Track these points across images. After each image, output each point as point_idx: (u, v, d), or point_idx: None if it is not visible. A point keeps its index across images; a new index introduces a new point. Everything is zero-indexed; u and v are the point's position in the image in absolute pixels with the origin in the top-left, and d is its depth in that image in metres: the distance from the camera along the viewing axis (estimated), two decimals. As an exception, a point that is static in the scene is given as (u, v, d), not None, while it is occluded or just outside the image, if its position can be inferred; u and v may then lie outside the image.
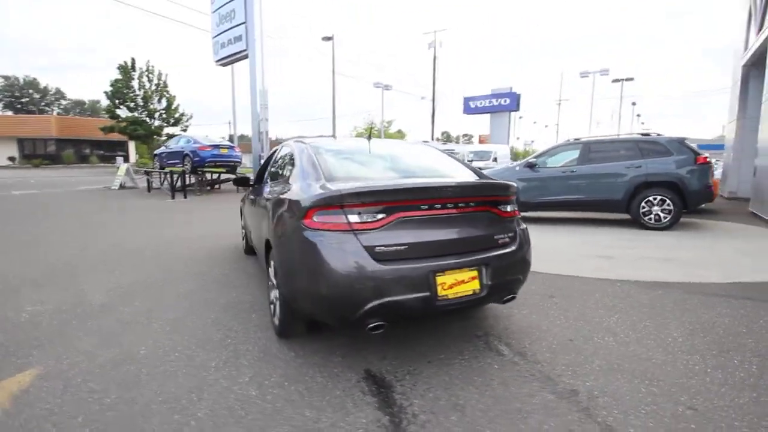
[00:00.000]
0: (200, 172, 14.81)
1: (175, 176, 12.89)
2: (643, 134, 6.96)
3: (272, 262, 2.72)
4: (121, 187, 15.42)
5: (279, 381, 2.17)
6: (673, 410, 1.90)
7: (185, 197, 12.62)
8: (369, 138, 3.32)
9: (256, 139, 17.01)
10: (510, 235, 2.48)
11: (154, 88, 29.99)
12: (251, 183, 4.43)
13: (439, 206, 2.21)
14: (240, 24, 16.07)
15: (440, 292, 2.13)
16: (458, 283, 2.19)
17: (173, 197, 12.43)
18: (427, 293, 2.10)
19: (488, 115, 41.10)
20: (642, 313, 3.07)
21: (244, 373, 2.25)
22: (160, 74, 30.27)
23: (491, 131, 41.20)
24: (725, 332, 2.71)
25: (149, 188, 14.89)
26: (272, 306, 2.83)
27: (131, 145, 39.60)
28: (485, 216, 2.39)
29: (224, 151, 14.44)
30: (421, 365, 2.34)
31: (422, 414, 1.89)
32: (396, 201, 2.13)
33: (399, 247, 2.09)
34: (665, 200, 6.39)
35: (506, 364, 2.34)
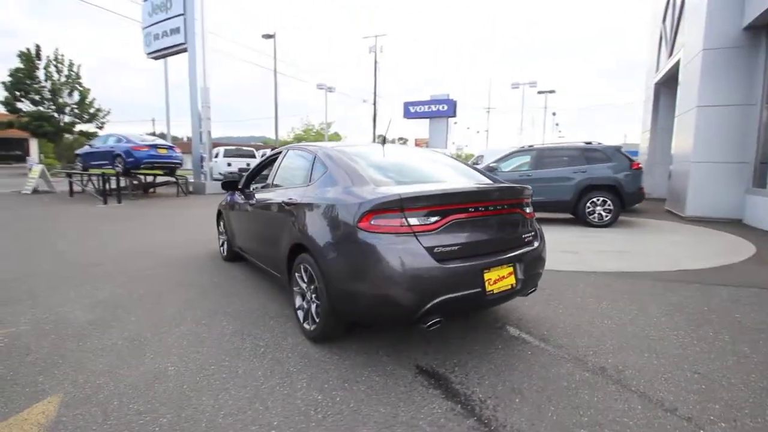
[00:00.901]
0: (133, 174, 13.52)
1: (107, 179, 11.62)
2: (586, 143, 7.85)
3: (303, 267, 2.69)
4: (35, 191, 13.50)
5: (338, 383, 2.19)
6: (683, 376, 2.27)
7: (119, 202, 11.44)
8: (383, 143, 3.41)
9: (197, 140, 16.01)
10: (533, 233, 2.75)
11: (63, 79, 26.60)
12: (239, 187, 4.27)
13: (482, 208, 2.39)
14: (178, 15, 15.02)
15: (488, 287, 2.31)
16: (500, 278, 2.39)
17: (105, 202, 11.20)
18: (479, 289, 2.27)
19: (427, 120, 42.78)
20: (624, 299, 3.53)
21: (299, 379, 2.22)
22: (71, 64, 26.96)
23: (430, 136, 42.80)
24: (693, 311, 3.25)
25: (71, 192, 13.24)
26: (300, 312, 2.80)
27: (33, 144, 34.67)
28: (515, 216, 2.63)
29: (163, 152, 13.32)
30: (464, 357, 2.49)
31: (488, 399, 2.04)
32: (450, 204, 2.27)
33: (453, 247, 2.23)
34: (606, 201, 7.29)
35: (536, 350, 2.58)
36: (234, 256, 4.67)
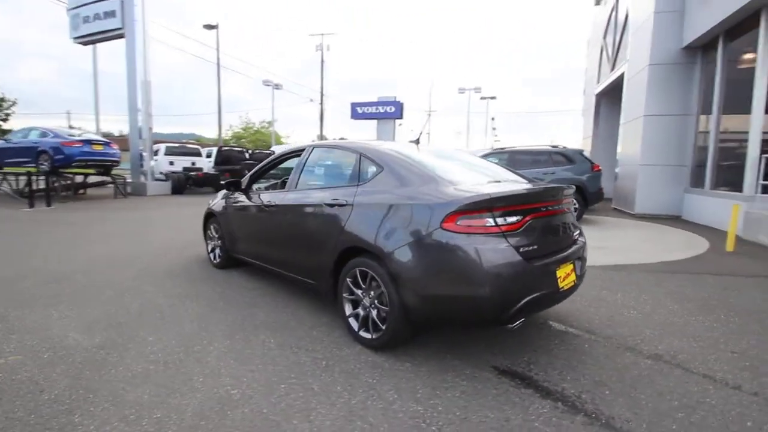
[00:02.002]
0: (62, 174, 11.88)
1: (34, 179, 10.07)
2: (553, 146, 8.41)
3: (359, 272, 2.53)
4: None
5: (429, 391, 2.08)
6: (726, 356, 2.50)
7: (49, 205, 9.98)
8: (417, 143, 3.34)
9: (135, 136, 14.54)
10: (579, 230, 2.86)
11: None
12: (243, 187, 3.93)
13: (551, 207, 2.43)
14: (114, -3, 13.48)
15: (559, 284, 2.36)
16: (566, 275, 2.45)
17: (32, 206, 9.71)
18: (555, 287, 2.30)
19: (374, 121, 43.08)
20: (634, 290, 3.82)
21: (385, 391, 2.08)
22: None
23: (378, 137, 43.06)
24: (695, 298, 3.61)
25: (-19, 194, 11.29)
26: (352, 320, 2.64)
27: None
28: (569, 214, 2.72)
29: (98, 148, 11.89)
30: (532, 355, 2.51)
31: (582, 394, 2.07)
32: (530, 203, 2.28)
33: (534, 246, 2.24)
34: (573, 200, 7.86)
35: (591, 342, 2.69)
36: (229, 262, 4.29)
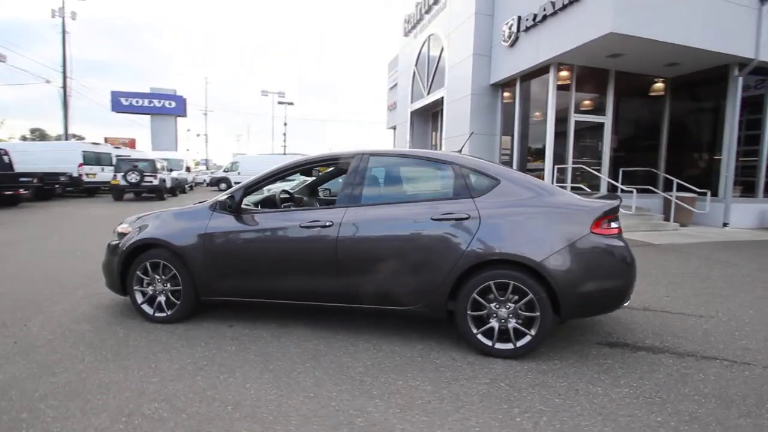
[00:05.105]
0: None
1: None
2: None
3: (494, 285, 2.52)
4: None
5: (594, 376, 2.37)
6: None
7: None
8: (460, 152, 3.41)
9: None
10: None
11: None
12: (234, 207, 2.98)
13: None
14: None
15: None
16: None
17: None
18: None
19: (147, 117, 35.67)
20: (670, 266, 5.15)
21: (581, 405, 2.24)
22: None
23: (153, 136, 36.07)
24: (722, 275, 4.87)
25: None
26: (482, 337, 2.58)
27: None
28: None
29: None
30: (615, 330, 3.11)
31: (687, 357, 2.79)
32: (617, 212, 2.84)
33: (624, 244, 2.85)
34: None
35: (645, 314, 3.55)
36: (191, 311, 3.11)
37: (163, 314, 3.08)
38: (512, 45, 9.92)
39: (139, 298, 3.13)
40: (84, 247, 6.05)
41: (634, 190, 8.54)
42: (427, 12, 13.83)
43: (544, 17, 8.70)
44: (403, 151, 3.03)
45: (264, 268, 2.91)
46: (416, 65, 14.97)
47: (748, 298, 3.98)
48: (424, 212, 2.69)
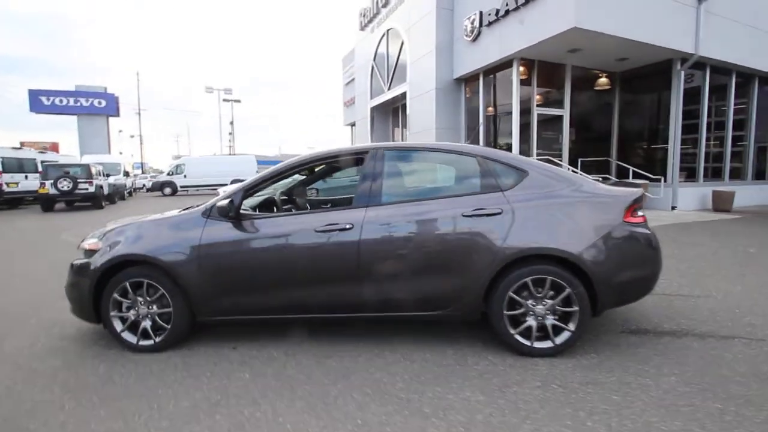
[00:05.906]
0: None
1: None
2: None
3: (531, 282, 2.41)
4: None
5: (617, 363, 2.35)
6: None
7: None
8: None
9: None
10: None
11: None
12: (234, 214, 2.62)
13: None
14: None
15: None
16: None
17: None
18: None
19: (72, 117, 32.10)
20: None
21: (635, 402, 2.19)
22: None
23: (81, 138, 32.60)
24: (696, 255, 5.13)
25: None
26: (521, 338, 2.46)
27: None
28: None
29: None
30: (635, 318, 3.13)
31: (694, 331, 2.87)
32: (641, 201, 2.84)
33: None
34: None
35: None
36: (185, 335, 2.71)
37: (150, 342, 2.63)
38: (475, 40, 10.03)
39: (119, 326, 2.64)
40: (20, 268, 5.18)
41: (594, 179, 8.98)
42: (384, 6, 13.64)
43: (507, 12, 8.86)
44: (421, 145, 2.81)
45: (274, 280, 2.56)
46: (375, 60, 14.75)
47: (729, 275, 4.25)
48: (452, 209, 2.50)
